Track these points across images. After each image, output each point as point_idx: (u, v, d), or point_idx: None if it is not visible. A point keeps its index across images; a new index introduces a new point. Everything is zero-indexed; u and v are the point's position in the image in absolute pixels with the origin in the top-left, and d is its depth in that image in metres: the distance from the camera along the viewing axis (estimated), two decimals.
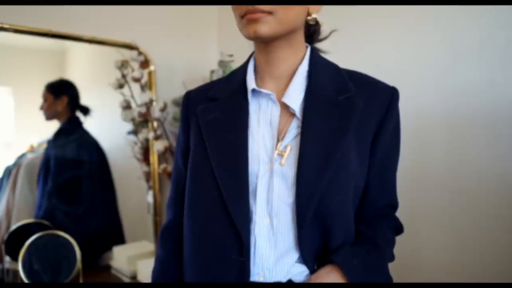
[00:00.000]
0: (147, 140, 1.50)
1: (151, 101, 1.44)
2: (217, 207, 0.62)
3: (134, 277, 1.42)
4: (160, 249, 0.75)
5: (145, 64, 1.47)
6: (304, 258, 0.62)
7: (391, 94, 0.66)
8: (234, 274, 0.61)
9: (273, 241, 0.61)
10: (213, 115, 0.67)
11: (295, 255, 0.62)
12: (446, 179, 1.07)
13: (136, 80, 1.44)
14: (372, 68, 1.20)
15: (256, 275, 0.62)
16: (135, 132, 1.52)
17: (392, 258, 0.72)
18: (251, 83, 0.66)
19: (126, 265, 1.42)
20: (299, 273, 0.63)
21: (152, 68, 1.49)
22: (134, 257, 1.43)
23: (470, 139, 1.02)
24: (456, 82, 1.04)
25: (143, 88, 1.47)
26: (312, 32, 0.72)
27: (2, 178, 1.39)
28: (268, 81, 0.67)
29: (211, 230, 0.64)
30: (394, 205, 0.75)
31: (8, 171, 1.41)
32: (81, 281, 1.24)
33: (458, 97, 1.04)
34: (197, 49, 1.68)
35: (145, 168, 1.52)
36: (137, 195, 1.59)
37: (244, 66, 0.70)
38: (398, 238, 1.18)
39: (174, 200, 0.76)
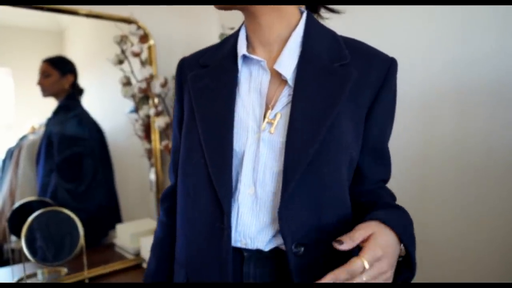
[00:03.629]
0: (148, 116, 1.47)
1: (151, 76, 1.41)
2: (203, 175, 0.62)
3: (137, 254, 1.42)
4: (160, 211, 0.78)
5: (144, 38, 1.43)
6: (282, 232, 0.58)
7: (389, 65, 0.63)
8: (218, 241, 0.60)
9: (256, 210, 0.60)
10: (203, 82, 0.66)
11: (276, 227, 0.60)
12: (454, 152, 1.03)
13: (136, 54, 1.40)
14: (378, 37, 1.16)
15: (239, 242, 0.61)
16: (136, 110, 1.49)
17: None
18: (242, 48, 0.64)
19: (129, 243, 1.42)
20: (282, 243, 0.60)
21: (151, 42, 1.45)
22: (137, 234, 1.43)
23: (479, 110, 0.98)
24: (465, 50, 0.99)
25: (143, 63, 1.44)
26: None
27: (4, 159, 1.38)
28: (258, 49, 0.65)
29: (198, 197, 0.63)
30: (387, 179, 0.73)
31: (10, 152, 1.40)
32: (84, 258, 1.23)
33: (467, 66, 0.99)
34: (197, 22, 1.63)
35: (147, 146, 1.49)
36: (139, 173, 1.57)
37: (236, 33, 0.68)
38: None
39: (172, 167, 0.77)
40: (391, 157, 1.16)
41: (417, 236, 1.16)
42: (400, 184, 1.14)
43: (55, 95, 1.42)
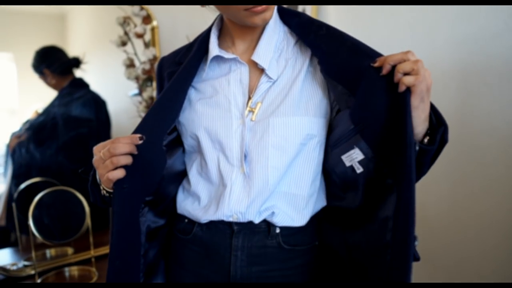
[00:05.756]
0: (151, 98, 1.47)
1: (155, 57, 1.41)
2: None
3: None
4: None
5: (147, 19, 1.43)
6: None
7: None
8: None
9: (247, 187, 0.67)
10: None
11: (265, 201, 0.68)
12: (456, 131, 1.03)
13: (139, 36, 1.40)
14: (383, 16, 1.16)
15: (230, 217, 0.69)
16: (140, 92, 1.50)
17: None
18: (214, 50, 0.70)
19: None
20: (270, 214, 0.69)
21: (155, 23, 1.45)
22: None
23: (483, 89, 0.98)
24: (470, 28, 0.99)
25: (146, 44, 1.44)
26: None
27: (9, 144, 1.38)
28: (239, 43, 0.72)
29: None
30: None
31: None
32: (90, 237, 1.24)
33: (471, 44, 0.98)
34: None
35: None
36: None
37: (207, 33, 0.74)
38: None
39: None
40: None
41: (417, 216, 1.15)
42: None
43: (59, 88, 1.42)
